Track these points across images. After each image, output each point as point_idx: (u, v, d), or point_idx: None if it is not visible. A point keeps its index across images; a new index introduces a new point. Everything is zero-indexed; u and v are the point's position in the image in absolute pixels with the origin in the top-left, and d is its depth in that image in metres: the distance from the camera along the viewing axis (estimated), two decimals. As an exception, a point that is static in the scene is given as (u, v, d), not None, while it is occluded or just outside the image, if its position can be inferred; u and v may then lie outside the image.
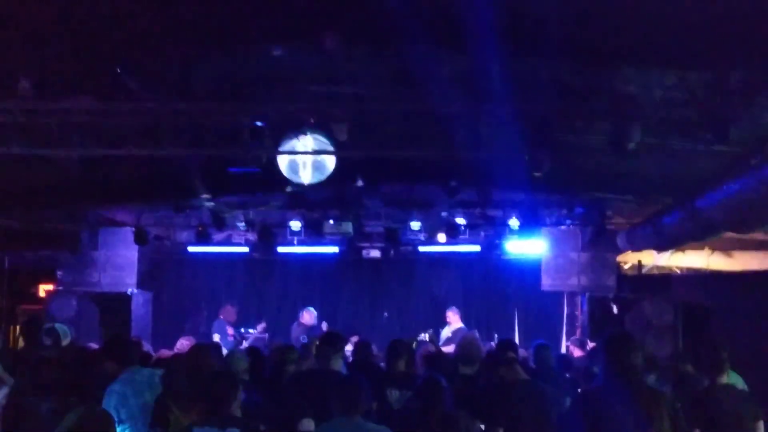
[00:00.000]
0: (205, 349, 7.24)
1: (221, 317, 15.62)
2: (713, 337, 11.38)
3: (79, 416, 4.03)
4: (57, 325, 8.29)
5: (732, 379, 8.23)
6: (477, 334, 12.54)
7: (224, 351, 9.61)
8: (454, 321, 15.17)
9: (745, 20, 6.36)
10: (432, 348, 12.13)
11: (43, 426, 4.72)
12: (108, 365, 7.01)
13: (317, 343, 8.16)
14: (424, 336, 13.58)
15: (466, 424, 6.22)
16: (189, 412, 6.18)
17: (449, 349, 13.36)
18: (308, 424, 3.81)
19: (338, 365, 6.97)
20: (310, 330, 14.97)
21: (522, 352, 10.26)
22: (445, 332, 14.66)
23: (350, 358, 10.12)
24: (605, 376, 5.67)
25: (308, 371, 8.07)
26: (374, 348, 10.56)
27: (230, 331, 15.27)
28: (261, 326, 15.82)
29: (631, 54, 7.53)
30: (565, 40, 7.33)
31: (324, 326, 15.53)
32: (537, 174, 9.24)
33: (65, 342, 8.17)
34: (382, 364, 9.14)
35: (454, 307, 15.73)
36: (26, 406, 6.22)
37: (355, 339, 14.57)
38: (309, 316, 15.68)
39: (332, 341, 7.42)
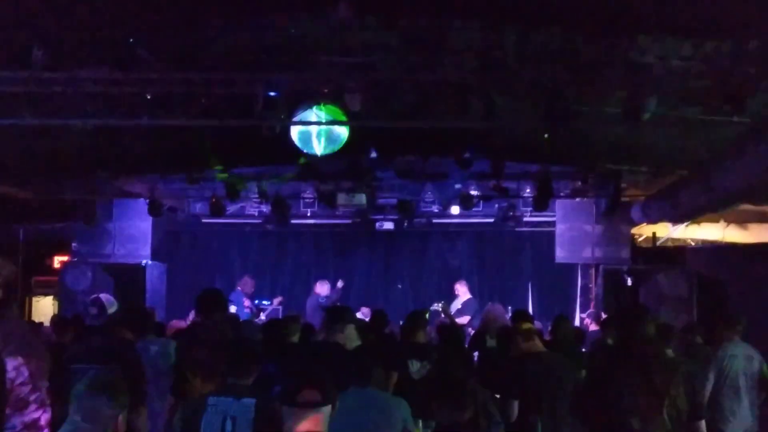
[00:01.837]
0: (231, 323, 7.29)
1: (239, 288, 15.65)
2: (726, 309, 11.36)
3: (87, 383, 4.04)
4: (102, 296, 8.44)
5: (744, 350, 8.25)
6: (500, 307, 12.54)
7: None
8: (462, 293, 15.17)
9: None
10: (446, 319, 12.20)
11: None
12: (125, 334, 7.09)
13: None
14: (437, 306, 13.57)
15: (483, 394, 6.23)
16: (210, 382, 6.20)
17: (461, 320, 13.40)
18: (311, 394, 3.79)
19: (345, 339, 6.90)
20: (325, 301, 15.02)
21: (537, 324, 10.26)
22: (455, 304, 14.65)
23: None
24: (618, 347, 5.68)
25: (312, 343, 8.11)
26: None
27: (246, 302, 15.31)
28: (277, 299, 15.88)
29: (646, 23, 7.46)
30: (580, 9, 7.28)
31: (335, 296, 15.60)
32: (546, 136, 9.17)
33: (111, 310, 8.36)
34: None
35: (462, 280, 15.74)
36: (75, 373, 6.39)
37: (365, 310, 14.67)
38: (322, 287, 15.72)
39: (335, 316, 7.37)
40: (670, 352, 7.72)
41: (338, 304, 14.13)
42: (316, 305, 14.91)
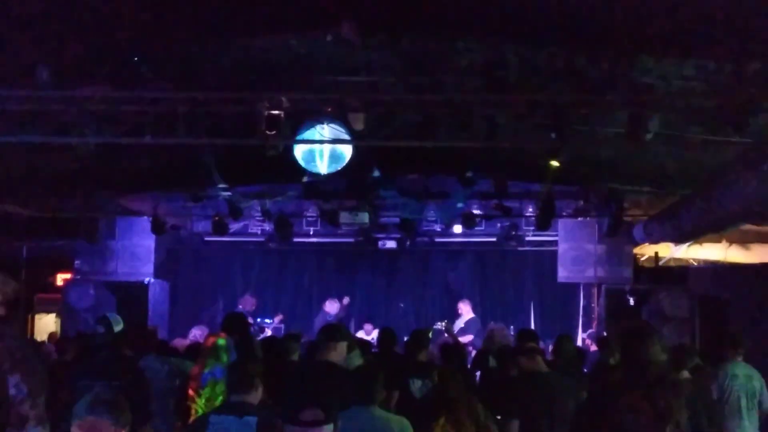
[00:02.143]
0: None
1: (240, 307, 15.68)
2: (728, 329, 11.34)
3: (88, 402, 4.03)
4: (109, 314, 8.58)
5: (745, 370, 8.24)
6: (503, 326, 12.55)
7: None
8: (465, 312, 15.21)
9: (764, 9, 6.32)
10: (449, 338, 12.19)
11: None
12: (125, 352, 7.16)
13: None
14: (441, 325, 13.58)
15: (484, 414, 6.22)
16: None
17: (464, 339, 13.40)
18: (313, 413, 3.79)
19: (338, 356, 6.82)
20: (334, 318, 15.04)
21: (540, 344, 10.26)
22: (458, 323, 14.65)
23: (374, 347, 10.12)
24: (622, 368, 5.65)
25: (307, 362, 8.08)
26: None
27: (249, 321, 15.30)
28: (278, 318, 15.88)
29: (649, 43, 7.48)
30: (583, 29, 7.31)
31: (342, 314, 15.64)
32: (553, 163, 9.20)
33: (117, 329, 8.48)
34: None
35: (465, 299, 15.76)
36: (81, 389, 6.49)
37: (368, 327, 14.66)
38: (332, 305, 15.74)
39: (327, 333, 7.29)
40: (685, 373, 7.71)
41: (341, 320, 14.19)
42: (324, 323, 14.91)
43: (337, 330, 7.02)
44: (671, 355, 7.79)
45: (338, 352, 6.64)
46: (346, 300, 16.56)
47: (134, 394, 6.36)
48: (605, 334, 13.59)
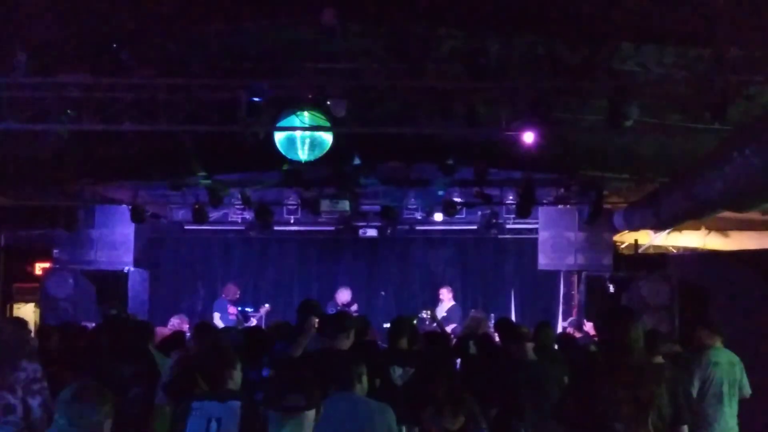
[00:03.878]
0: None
1: (223, 296, 15.65)
2: (708, 316, 11.41)
3: (74, 391, 4.03)
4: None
5: (727, 357, 8.29)
6: (483, 314, 12.59)
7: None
8: (447, 299, 15.25)
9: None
10: (435, 326, 12.17)
11: None
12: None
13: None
14: (426, 314, 13.60)
15: (472, 403, 6.22)
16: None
17: (448, 328, 13.41)
18: (294, 399, 3.79)
19: (345, 344, 6.87)
20: (344, 308, 15.05)
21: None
22: (439, 311, 14.67)
23: None
24: (602, 352, 5.66)
25: (311, 351, 8.06)
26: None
27: (232, 309, 15.28)
28: (264, 308, 15.74)
29: (629, 31, 7.50)
30: (563, 16, 7.32)
31: (355, 306, 15.62)
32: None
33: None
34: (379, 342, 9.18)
35: (447, 285, 15.80)
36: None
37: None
38: (342, 294, 15.76)
39: (334, 320, 7.36)
40: (659, 358, 7.74)
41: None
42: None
43: (345, 319, 7.08)
44: (645, 340, 7.84)
45: (341, 341, 6.69)
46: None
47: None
48: (585, 321, 13.65)
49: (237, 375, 5.77)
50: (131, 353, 7.83)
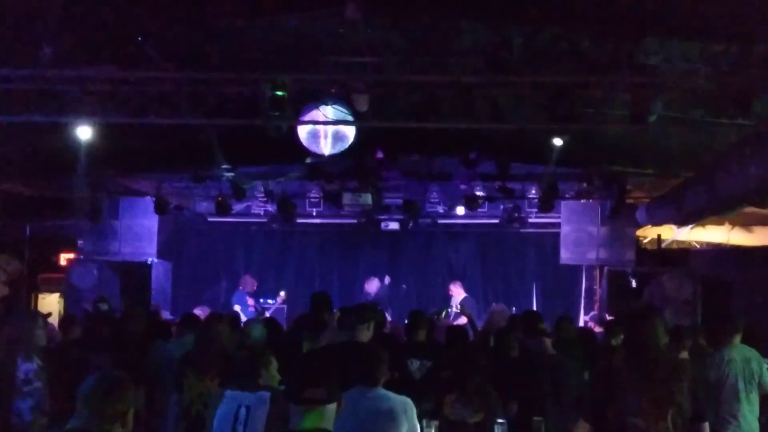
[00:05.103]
0: (216, 318, 7.50)
1: (241, 288, 15.73)
2: (730, 311, 11.35)
3: (96, 381, 4.06)
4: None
5: (741, 353, 8.24)
6: (504, 307, 12.57)
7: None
8: (457, 294, 15.24)
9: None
10: (464, 321, 12.14)
11: None
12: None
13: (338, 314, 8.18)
14: (455, 309, 13.65)
15: (494, 397, 6.24)
16: (203, 378, 6.41)
17: (460, 321, 13.39)
18: (315, 392, 3.82)
19: (365, 336, 6.89)
20: (374, 298, 15.12)
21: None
22: (454, 306, 14.67)
23: None
24: (624, 348, 5.67)
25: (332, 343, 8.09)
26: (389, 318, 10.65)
27: (250, 302, 15.37)
28: (281, 297, 15.87)
29: (653, 25, 7.47)
30: (586, 10, 7.29)
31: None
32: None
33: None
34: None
35: (456, 281, 15.82)
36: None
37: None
38: (370, 284, 15.82)
39: (357, 313, 7.37)
40: (685, 354, 7.73)
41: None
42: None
43: (365, 311, 7.11)
44: (670, 336, 7.82)
45: (362, 333, 6.72)
46: (387, 279, 16.62)
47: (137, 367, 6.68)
48: (607, 316, 13.62)
49: (272, 372, 5.93)
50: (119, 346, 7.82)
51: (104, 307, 10.94)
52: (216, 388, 6.08)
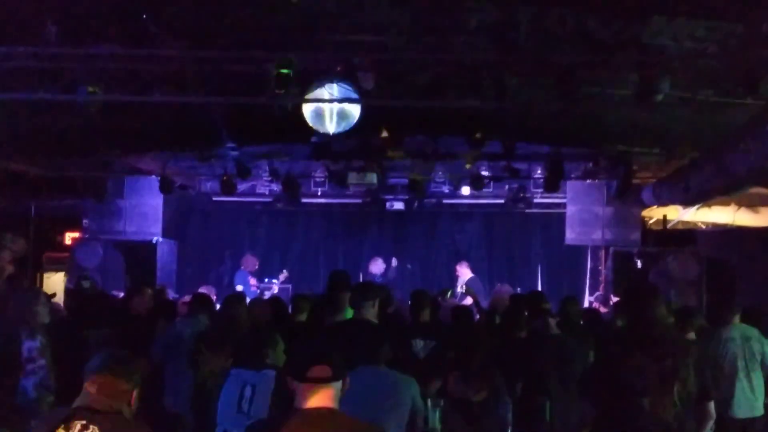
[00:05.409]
0: (236, 299, 7.65)
1: (242, 268, 15.75)
2: (735, 292, 11.36)
3: (102, 360, 4.06)
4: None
5: (741, 331, 8.28)
6: (508, 287, 12.57)
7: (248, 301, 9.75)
8: (463, 274, 15.24)
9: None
10: (470, 301, 12.15)
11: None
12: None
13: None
14: (462, 288, 13.66)
15: (498, 377, 6.25)
16: (218, 356, 6.44)
17: (467, 301, 13.41)
18: (321, 370, 3.82)
19: (371, 314, 6.87)
20: (381, 279, 15.16)
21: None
22: (459, 286, 14.69)
23: None
24: (628, 328, 5.67)
25: (340, 321, 8.08)
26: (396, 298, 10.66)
27: (252, 281, 15.40)
28: (283, 275, 15.88)
29: (660, 4, 7.42)
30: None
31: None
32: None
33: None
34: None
35: (462, 261, 15.82)
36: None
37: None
38: (375, 265, 15.84)
39: (361, 290, 7.35)
40: (692, 335, 7.73)
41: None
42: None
43: (370, 289, 7.09)
44: (677, 317, 7.83)
45: (368, 311, 6.71)
46: (394, 261, 16.63)
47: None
48: (612, 297, 13.62)
49: (278, 352, 6.03)
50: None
51: (86, 284, 11.19)
52: (229, 366, 6.16)
